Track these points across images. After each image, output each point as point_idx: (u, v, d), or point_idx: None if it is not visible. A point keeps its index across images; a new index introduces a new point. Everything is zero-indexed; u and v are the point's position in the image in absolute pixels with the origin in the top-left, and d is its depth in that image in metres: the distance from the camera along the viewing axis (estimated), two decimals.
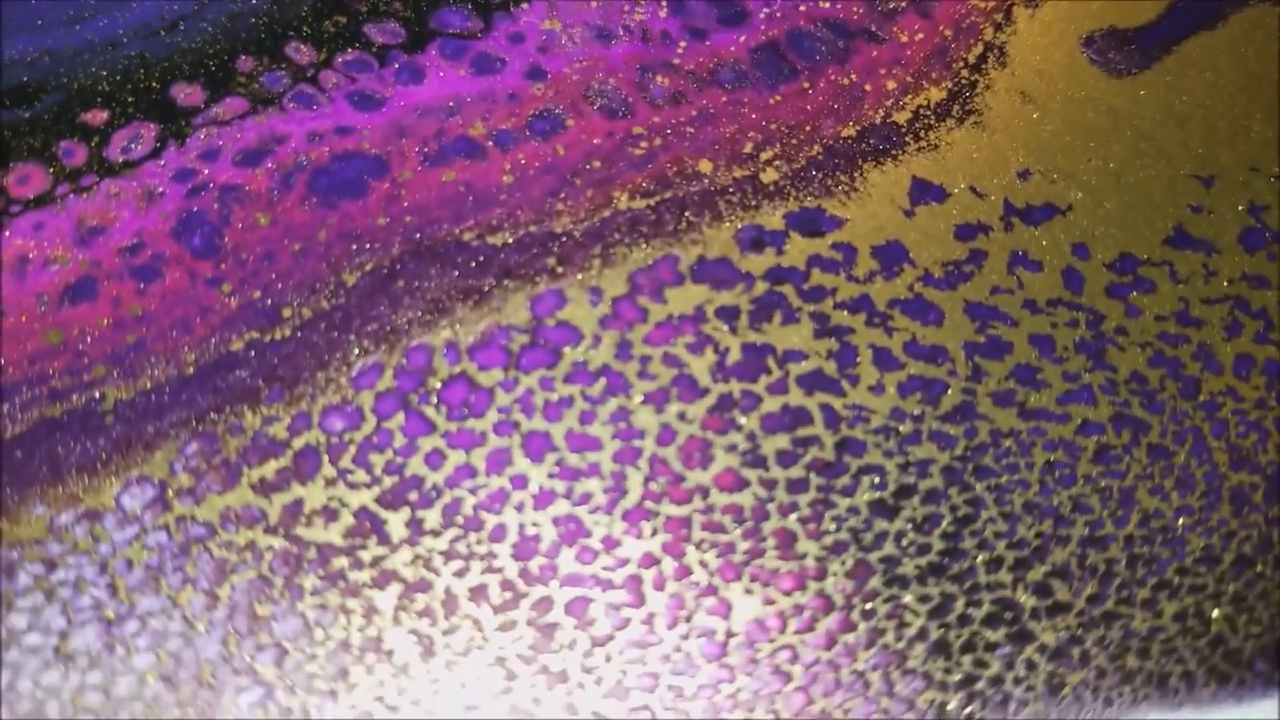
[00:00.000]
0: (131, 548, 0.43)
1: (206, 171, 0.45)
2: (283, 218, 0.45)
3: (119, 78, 0.46)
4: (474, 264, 0.45)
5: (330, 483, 0.43)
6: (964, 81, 0.46)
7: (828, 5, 0.47)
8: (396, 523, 0.43)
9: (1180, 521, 0.43)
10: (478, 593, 0.43)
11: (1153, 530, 0.43)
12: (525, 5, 0.47)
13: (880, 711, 0.43)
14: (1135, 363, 0.44)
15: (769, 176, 0.45)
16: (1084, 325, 0.44)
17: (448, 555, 0.43)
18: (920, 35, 0.47)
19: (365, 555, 0.43)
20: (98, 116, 0.45)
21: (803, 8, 0.47)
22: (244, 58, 0.46)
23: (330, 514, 0.43)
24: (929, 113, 0.46)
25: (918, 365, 0.44)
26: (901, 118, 0.46)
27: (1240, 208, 0.45)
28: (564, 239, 0.45)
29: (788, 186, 0.45)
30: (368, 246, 0.45)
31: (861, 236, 0.45)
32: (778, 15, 0.47)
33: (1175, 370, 0.44)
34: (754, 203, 0.45)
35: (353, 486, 0.43)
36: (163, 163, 0.45)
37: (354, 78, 0.46)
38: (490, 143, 0.46)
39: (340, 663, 0.43)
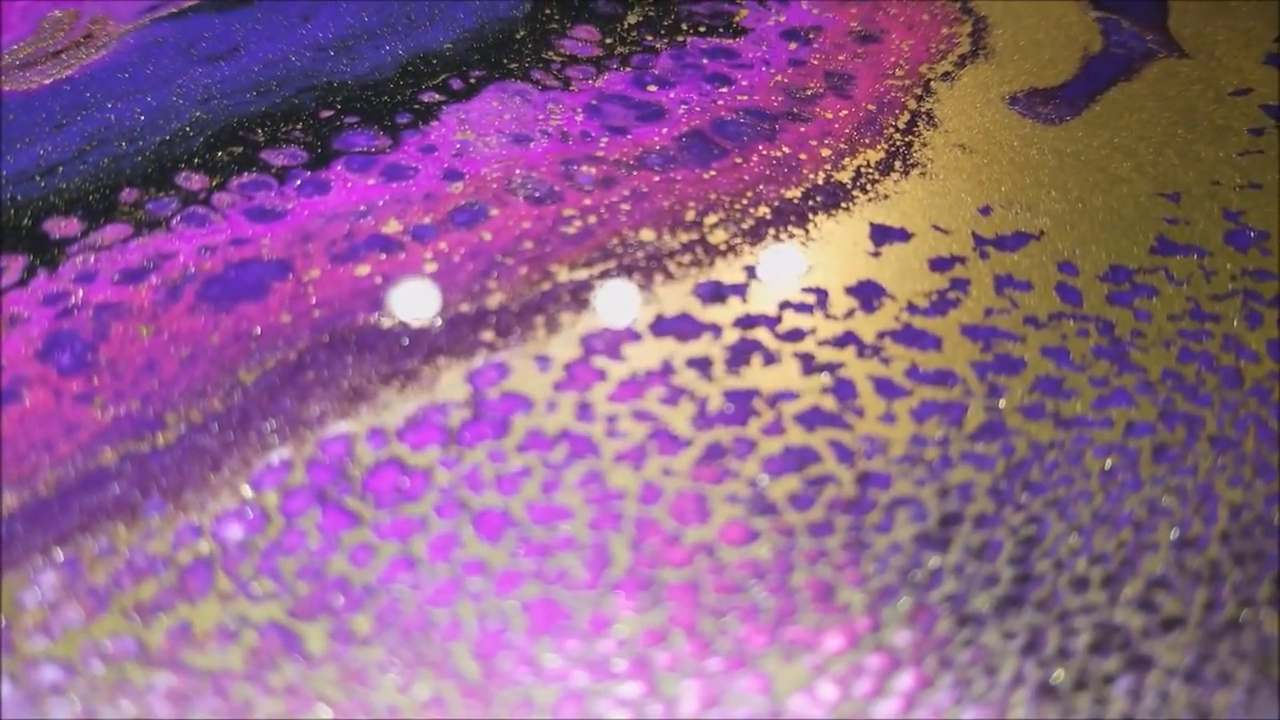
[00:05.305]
0: None
1: (81, 293, 0.39)
2: (168, 326, 0.38)
3: None
4: (397, 348, 0.38)
5: (227, 599, 0.33)
6: (899, 143, 0.44)
7: (745, 98, 0.46)
8: (317, 636, 0.33)
9: (1274, 510, 0.36)
10: (431, 710, 0.32)
11: (1246, 523, 0.36)
12: (435, 122, 0.44)
13: None
14: (1164, 361, 0.39)
15: (717, 237, 0.41)
16: (1096, 333, 0.39)
17: (384, 668, 0.33)
18: (844, 113, 0.45)
19: (276, 680, 0.32)
20: None
21: (720, 101, 0.45)
22: (128, 190, 0.42)
23: (228, 635, 0.33)
24: (871, 170, 0.43)
25: (927, 390, 0.38)
26: (844, 176, 0.43)
27: (1216, 214, 0.42)
28: (498, 314, 0.39)
29: (740, 244, 0.41)
30: (269, 344, 0.38)
31: (830, 279, 0.40)
32: (696, 109, 0.45)
33: (1210, 363, 0.39)
34: (707, 261, 0.41)
35: (256, 600, 0.33)
36: (29, 290, 0.39)
37: (250, 196, 0.42)
38: (407, 237, 0.41)
39: None
